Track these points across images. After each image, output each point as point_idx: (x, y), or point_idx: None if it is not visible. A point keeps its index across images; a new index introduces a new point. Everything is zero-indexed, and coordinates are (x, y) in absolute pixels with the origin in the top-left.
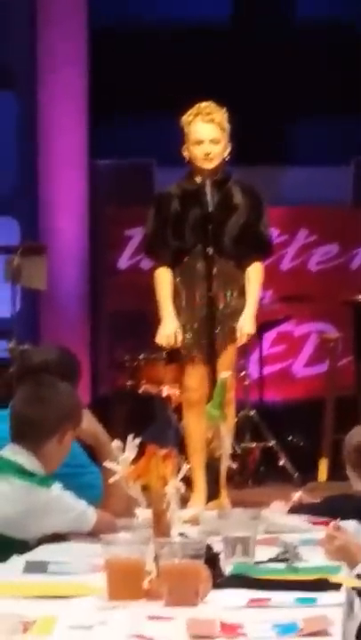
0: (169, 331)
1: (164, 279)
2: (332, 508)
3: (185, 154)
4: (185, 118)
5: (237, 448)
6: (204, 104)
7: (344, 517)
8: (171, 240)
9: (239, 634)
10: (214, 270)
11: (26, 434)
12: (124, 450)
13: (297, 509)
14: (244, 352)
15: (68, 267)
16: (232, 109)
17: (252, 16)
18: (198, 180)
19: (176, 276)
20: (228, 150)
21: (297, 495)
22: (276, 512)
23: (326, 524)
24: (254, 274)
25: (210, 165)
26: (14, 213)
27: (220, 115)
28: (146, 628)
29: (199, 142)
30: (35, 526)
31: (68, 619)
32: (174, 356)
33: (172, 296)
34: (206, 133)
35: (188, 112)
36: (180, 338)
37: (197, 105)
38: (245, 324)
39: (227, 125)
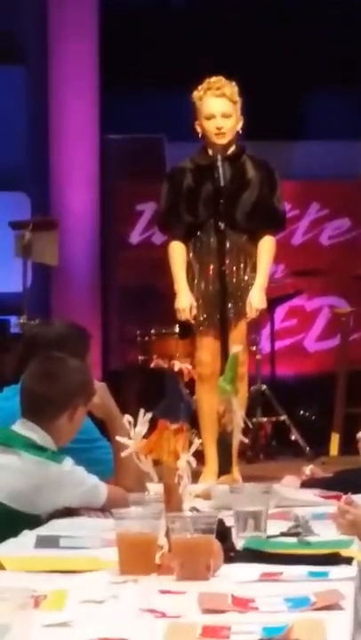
0: (184, 304)
1: (177, 253)
2: (343, 482)
3: (197, 129)
4: (195, 94)
5: (249, 422)
6: (213, 79)
7: (356, 491)
8: (184, 215)
9: (251, 608)
10: (227, 245)
11: (36, 410)
12: (135, 424)
13: (309, 484)
14: (256, 327)
15: (78, 242)
16: (243, 84)
17: None
18: (211, 154)
19: (189, 250)
20: (241, 124)
21: (308, 469)
22: (289, 486)
23: (338, 498)
24: (266, 247)
25: (223, 140)
26: (25, 189)
27: (231, 88)
28: (157, 602)
29: (211, 117)
30: (46, 501)
31: (80, 593)
32: (186, 331)
33: (186, 270)
34: (217, 107)
35: (199, 87)
36: (195, 311)
37: (207, 80)
38: (255, 299)
39: (238, 99)
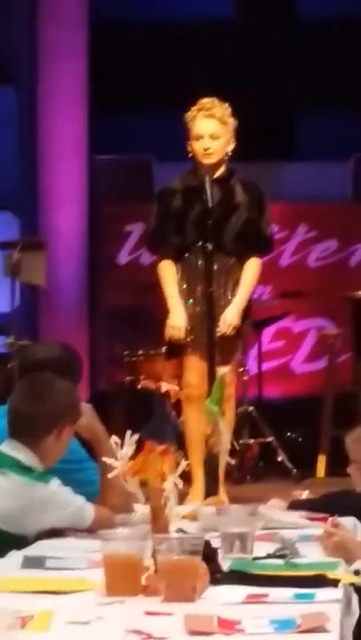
0: (179, 322)
1: (168, 272)
2: (330, 504)
3: (188, 149)
4: (188, 114)
5: (236, 444)
6: (206, 100)
7: (342, 514)
8: (172, 236)
9: (237, 630)
10: (215, 267)
11: (23, 430)
12: (122, 445)
13: (296, 506)
14: (243, 348)
15: (67, 262)
16: (232, 105)
17: (254, 11)
18: (200, 175)
19: (177, 271)
20: (232, 146)
21: (304, 494)
22: (275, 508)
23: (325, 520)
24: (250, 268)
25: (209, 160)
26: (14, 209)
27: (222, 110)
28: (143, 623)
29: (199, 137)
30: (33, 522)
31: (66, 614)
32: (174, 351)
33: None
34: (205, 128)
35: (192, 108)
36: (188, 329)
37: (200, 101)
38: (229, 314)
39: (229, 120)
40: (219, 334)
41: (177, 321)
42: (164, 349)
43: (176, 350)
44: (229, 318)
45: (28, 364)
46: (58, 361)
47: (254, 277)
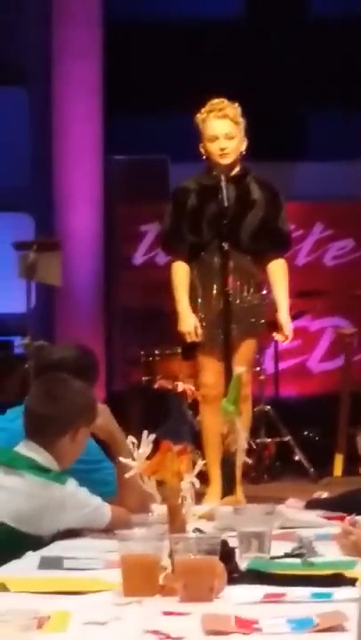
0: (189, 327)
1: (180, 273)
2: (347, 503)
3: (201, 151)
4: (198, 116)
5: (253, 443)
6: (216, 100)
7: (360, 512)
8: (187, 235)
9: (254, 629)
10: (231, 265)
11: (39, 431)
12: (138, 445)
13: (313, 505)
14: (259, 347)
15: (82, 262)
16: (247, 105)
17: (267, 11)
18: (215, 175)
19: (193, 270)
20: (245, 145)
21: (324, 495)
22: (292, 508)
23: (342, 519)
24: (280, 271)
25: (226, 161)
26: (29, 209)
27: (233, 109)
28: (161, 623)
29: (214, 138)
30: (50, 522)
31: (83, 614)
32: (190, 352)
33: (189, 291)
34: (220, 129)
35: (202, 110)
36: (200, 332)
37: (210, 102)
38: (286, 323)
39: (241, 120)
40: (285, 342)
41: (186, 326)
42: (180, 350)
43: (193, 350)
44: (289, 327)
45: (44, 364)
46: (74, 362)
47: (287, 278)
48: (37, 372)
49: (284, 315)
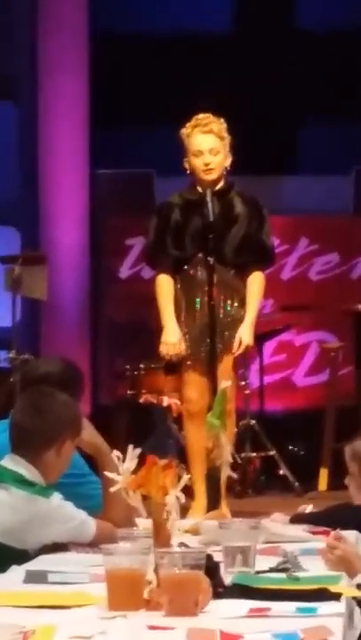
0: (173, 339)
1: (165, 287)
2: (332, 518)
3: (186, 166)
4: (183, 131)
5: (238, 458)
6: (201, 116)
7: (345, 527)
8: (171, 249)
9: None
10: (215, 279)
11: (24, 444)
12: (124, 460)
13: (298, 520)
14: (244, 362)
15: (68, 276)
16: (233, 119)
17: (253, 24)
18: (200, 190)
19: (176, 284)
20: (229, 160)
21: (308, 509)
22: (277, 522)
23: (327, 533)
24: (255, 284)
25: (211, 176)
26: (15, 223)
27: (219, 125)
28: (146, 637)
29: (199, 153)
30: (35, 536)
31: (68, 628)
32: (174, 367)
33: (173, 304)
34: (205, 144)
35: (187, 125)
36: (183, 346)
37: (195, 117)
38: (245, 335)
39: (226, 135)
40: (235, 354)
41: (171, 337)
42: (164, 364)
43: (174, 366)
44: (245, 339)
45: (29, 378)
46: (59, 375)
47: (260, 292)
48: (23, 385)
49: (244, 327)
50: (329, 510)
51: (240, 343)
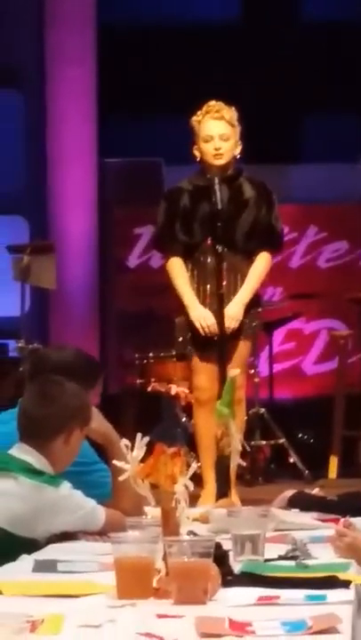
0: (203, 312)
1: (178, 268)
2: (342, 505)
3: (195, 153)
4: (195, 118)
5: (247, 446)
6: (212, 103)
7: (354, 514)
8: (179, 234)
9: (248, 631)
10: (224, 266)
11: (32, 433)
12: (132, 448)
13: (296, 502)
14: (254, 350)
15: (77, 265)
16: (241, 108)
17: (261, 15)
18: (209, 176)
19: (187, 269)
20: (239, 148)
21: (315, 491)
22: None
23: (336, 521)
24: (259, 261)
25: (220, 161)
26: (23, 212)
27: (230, 112)
28: (155, 626)
29: (209, 139)
30: (44, 525)
31: (77, 617)
32: (184, 354)
33: None
34: (216, 130)
35: (198, 112)
36: (210, 322)
37: (206, 104)
38: (230, 309)
39: (237, 123)
40: (228, 331)
41: (199, 311)
42: (174, 352)
43: (185, 354)
44: (231, 312)
45: (40, 368)
46: (72, 365)
47: (262, 271)
48: (34, 375)
49: (232, 302)
50: (339, 497)
51: (227, 316)
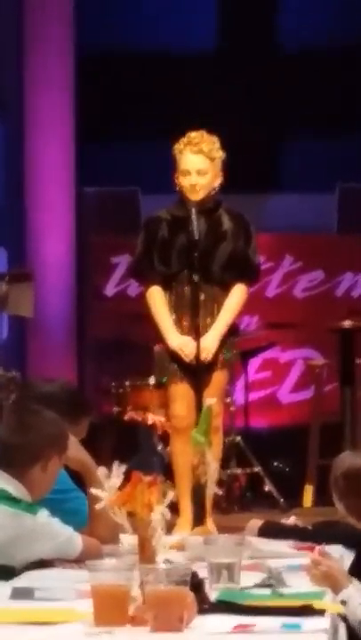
0: (182, 340)
1: (159, 298)
2: (317, 534)
3: (176, 182)
4: (176, 147)
5: (223, 474)
6: (194, 133)
7: (329, 543)
8: (157, 264)
9: None
10: (201, 297)
11: (10, 461)
12: (109, 477)
13: (267, 530)
14: (230, 379)
15: (54, 294)
16: (217, 137)
17: (237, 43)
18: (187, 207)
19: (167, 300)
20: (219, 180)
21: (291, 519)
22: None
23: (312, 549)
24: (235, 294)
25: (195, 197)
26: (1, 241)
27: (210, 145)
28: None
29: (186, 173)
30: (21, 553)
31: None
32: (162, 382)
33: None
34: (193, 164)
35: (180, 141)
36: (190, 350)
37: (188, 134)
38: (205, 339)
39: (217, 155)
40: (203, 360)
41: (179, 340)
42: (151, 380)
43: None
44: (205, 344)
45: (27, 397)
46: (59, 397)
47: (238, 303)
48: (16, 403)
49: (208, 333)
50: (314, 526)
51: (202, 349)
